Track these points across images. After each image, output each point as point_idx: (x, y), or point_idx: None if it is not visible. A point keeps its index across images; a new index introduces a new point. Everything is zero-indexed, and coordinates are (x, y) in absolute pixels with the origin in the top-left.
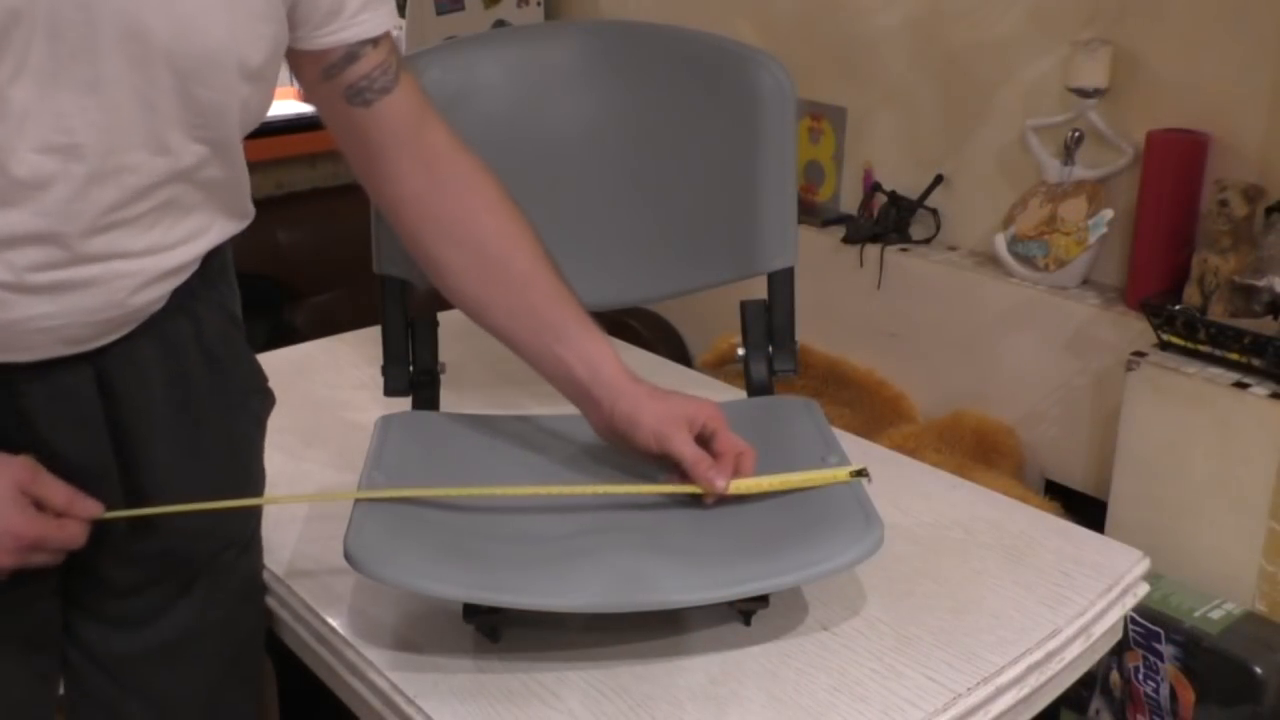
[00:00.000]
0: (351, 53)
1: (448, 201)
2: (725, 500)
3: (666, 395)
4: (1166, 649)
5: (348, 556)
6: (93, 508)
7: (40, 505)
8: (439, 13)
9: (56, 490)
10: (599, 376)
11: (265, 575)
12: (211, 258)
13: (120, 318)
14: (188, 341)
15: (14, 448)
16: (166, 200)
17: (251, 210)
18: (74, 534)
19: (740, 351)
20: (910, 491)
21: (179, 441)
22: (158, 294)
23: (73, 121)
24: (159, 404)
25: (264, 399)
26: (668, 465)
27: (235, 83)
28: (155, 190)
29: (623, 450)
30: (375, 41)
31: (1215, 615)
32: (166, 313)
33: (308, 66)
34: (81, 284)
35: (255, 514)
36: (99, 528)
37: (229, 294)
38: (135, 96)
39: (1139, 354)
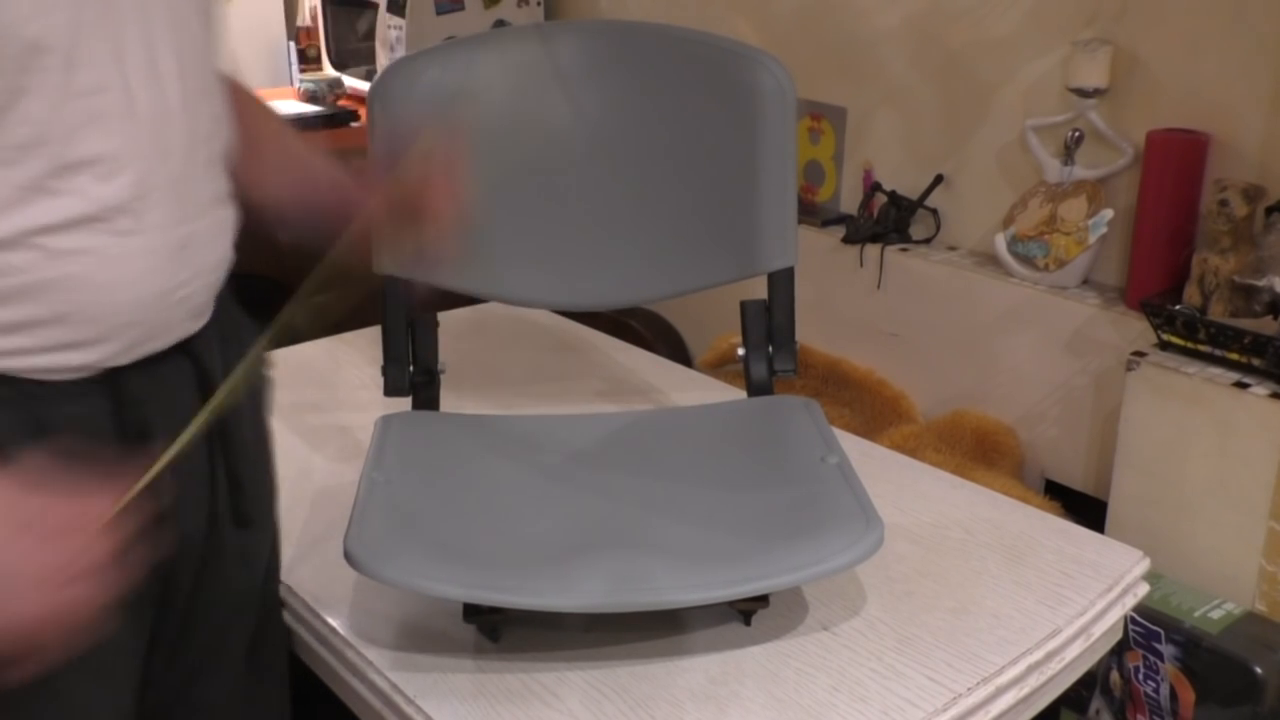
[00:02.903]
0: None
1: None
2: (724, 500)
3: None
4: (1166, 649)
5: (348, 556)
6: (100, 506)
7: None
8: (439, 13)
9: (53, 509)
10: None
11: None
12: None
13: (216, 282)
14: (236, 324)
15: (123, 461)
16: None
17: None
18: (100, 549)
19: (740, 351)
20: (910, 491)
21: (254, 426)
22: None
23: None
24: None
25: (268, 383)
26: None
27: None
28: (212, 138)
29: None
30: None
31: (1215, 615)
32: (219, 297)
33: None
34: (200, 239)
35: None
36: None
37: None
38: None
39: (1139, 354)
